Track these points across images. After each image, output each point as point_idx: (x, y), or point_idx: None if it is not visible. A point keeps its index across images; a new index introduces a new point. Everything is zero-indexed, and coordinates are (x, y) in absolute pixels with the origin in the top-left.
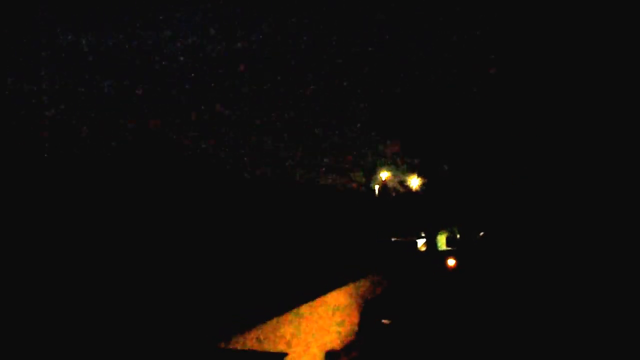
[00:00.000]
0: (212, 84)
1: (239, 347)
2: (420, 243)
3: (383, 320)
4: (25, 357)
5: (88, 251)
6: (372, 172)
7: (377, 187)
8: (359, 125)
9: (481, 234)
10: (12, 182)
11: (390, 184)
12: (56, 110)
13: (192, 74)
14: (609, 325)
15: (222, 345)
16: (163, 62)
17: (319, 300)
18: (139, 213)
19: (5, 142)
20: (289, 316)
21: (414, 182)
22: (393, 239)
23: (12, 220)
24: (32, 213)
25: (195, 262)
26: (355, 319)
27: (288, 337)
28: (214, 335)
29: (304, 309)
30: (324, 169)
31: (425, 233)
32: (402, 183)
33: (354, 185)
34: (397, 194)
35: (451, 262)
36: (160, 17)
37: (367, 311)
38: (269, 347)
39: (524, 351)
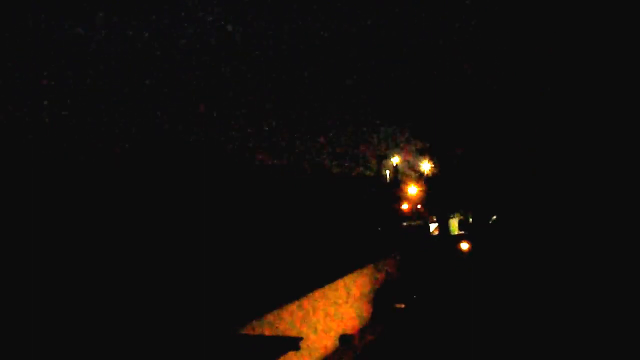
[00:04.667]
0: (227, 75)
1: (255, 331)
2: (433, 227)
3: (397, 305)
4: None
5: (107, 242)
6: (382, 158)
7: (387, 173)
8: (368, 110)
9: (494, 217)
10: (17, 181)
11: (401, 169)
12: (68, 106)
13: (203, 64)
14: (621, 310)
15: (239, 330)
16: (174, 52)
17: (332, 285)
18: (153, 204)
19: (10, 139)
20: (304, 301)
21: (425, 166)
22: (405, 224)
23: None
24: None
25: (211, 250)
26: (369, 303)
27: (303, 321)
28: (230, 321)
29: (318, 294)
30: (334, 156)
31: (437, 217)
32: (413, 168)
33: (365, 171)
34: (409, 179)
35: (464, 246)
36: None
37: (381, 295)
38: (284, 331)
39: (537, 336)
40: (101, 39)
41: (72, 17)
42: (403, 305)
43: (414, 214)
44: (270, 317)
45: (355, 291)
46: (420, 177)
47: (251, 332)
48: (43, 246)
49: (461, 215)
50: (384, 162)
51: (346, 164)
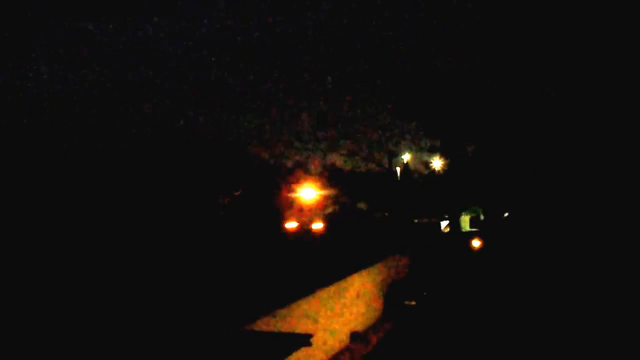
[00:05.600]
0: (239, 69)
1: (265, 328)
2: (444, 224)
3: (407, 302)
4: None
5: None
6: (393, 155)
7: (398, 169)
8: (379, 107)
9: (506, 214)
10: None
11: (412, 166)
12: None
13: (216, 59)
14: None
15: (250, 326)
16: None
17: (343, 283)
18: (164, 200)
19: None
20: (314, 298)
21: (437, 163)
22: (416, 221)
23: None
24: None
25: (221, 247)
26: (379, 300)
27: (313, 318)
28: (242, 317)
29: (329, 291)
30: (345, 152)
31: (448, 214)
32: (425, 164)
33: (376, 167)
34: (420, 176)
35: (476, 243)
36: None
37: (392, 293)
38: (295, 328)
39: (551, 334)
40: (111, 36)
41: (82, 15)
42: (413, 303)
43: (425, 210)
44: (281, 314)
45: (366, 288)
46: (431, 173)
47: (262, 329)
48: (49, 242)
49: (472, 212)
50: (394, 159)
51: (355, 161)
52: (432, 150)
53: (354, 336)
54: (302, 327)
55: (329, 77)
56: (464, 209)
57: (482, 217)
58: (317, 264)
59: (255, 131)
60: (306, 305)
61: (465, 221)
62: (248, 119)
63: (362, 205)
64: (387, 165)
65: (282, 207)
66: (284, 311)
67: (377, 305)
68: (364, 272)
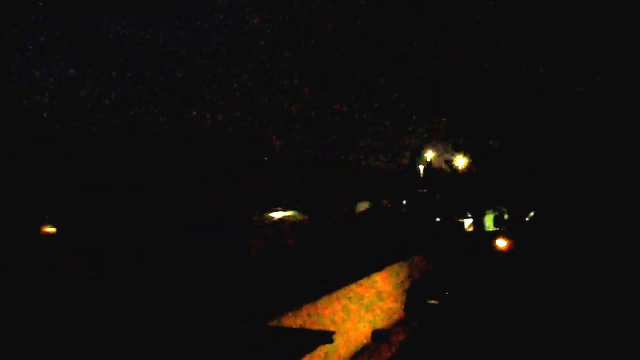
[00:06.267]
0: (265, 68)
1: (289, 325)
2: (467, 223)
3: (430, 301)
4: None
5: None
6: (417, 153)
7: (421, 167)
8: (403, 105)
9: (531, 214)
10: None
11: (436, 164)
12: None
13: (243, 57)
14: None
15: (274, 322)
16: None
17: (365, 280)
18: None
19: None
20: (337, 296)
21: (460, 161)
22: (439, 219)
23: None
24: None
25: (246, 246)
26: (402, 298)
27: (336, 316)
28: (266, 314)
29: (352, 289)
30: (368, 150)
31: (472, 213)
32: (448, 162)
33: (398, 165)
34: (443, 174)
35: (502, 243)
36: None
37: (414, 291)
38: (318, 325)
39: (582, 339)
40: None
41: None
42: (436, 302)
43: (448, 209)
44: (304, 311)
45: (388, 286)
46: (454, 171)
47: (286, 325)
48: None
49: (496, 211)
50: (417, 156)
51: (379, 158)
52: (456, 148)
53: (376, 334)
54: (324, 323)
55: (352, 75)
56: (488, 208)
57: (506, 216)
58: (340, 261)
59: (286, 129)
60: (329, 302)
61: (489, 220)
62: (268, 117)
63: (385, 203)
64: (410, 163)
65: None
66: (307, 308)
67: (399, 303)
68: (386, 270)
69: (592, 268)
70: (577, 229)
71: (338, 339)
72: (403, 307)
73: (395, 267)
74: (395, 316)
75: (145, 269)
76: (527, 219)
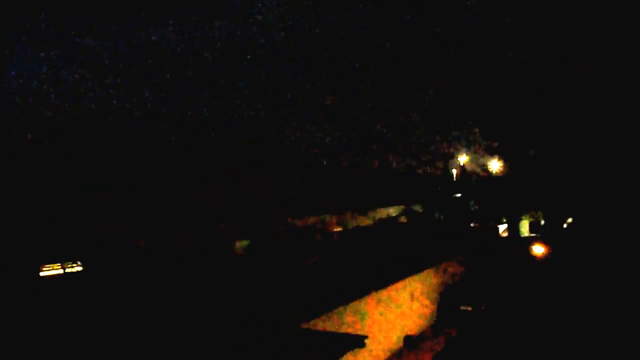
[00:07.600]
0: (302, 77)
1: (321, 328)
2: (502, 229)
3: (463, 307)
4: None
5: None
6: (450, 157)
7: (455, 172)
8: (436, 109)
9: (569, 220)
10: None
11: (469, 168)
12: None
13: (281, 64)
14: None
15: (306, 325)
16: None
17: (398, 285)
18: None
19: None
20: (369, 301)
21: (494, 165)
22: (472, 224)
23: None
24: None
25: (281, 251)
26: (434, 304)
27: (368, 321)
28: (298, 316)
29: (384, 294)
30: (401, 154)
31: (507, 218)
32: (482, 167)
33: (432, 170)
34: (477, 178)
35: (539, 249)
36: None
37: (447, 297)
38: (350, 329)
39: (621, 352)
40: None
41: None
42: (470, 309)
43: (482, 214)
44: (337, 315)
45: (420, 292)
46: (488, 176)
47: (318, 328)
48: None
49: (531, 216)
50: (450, 161)
51: (411, 162)
52: (490, 152)
53: (408, 340)
54: (355, 328)
55: (385, 81)
56: (523, 213)
57: (542, 222)
58: (372, 265)
59: (325, 138)
60: (362, 308)
61: (524, 226)
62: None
63: (417, 208)
64: (443, 168)
65: None
66: (339, 311)
67: (432, 309)
68: (418, 276)
69: (635, 279)
70: (619, 238)
71: (369, 343)
72: (435, 313)
73: (429, 272)
74: (428, 322)
75: (170, 267)
76: (565, 225)
